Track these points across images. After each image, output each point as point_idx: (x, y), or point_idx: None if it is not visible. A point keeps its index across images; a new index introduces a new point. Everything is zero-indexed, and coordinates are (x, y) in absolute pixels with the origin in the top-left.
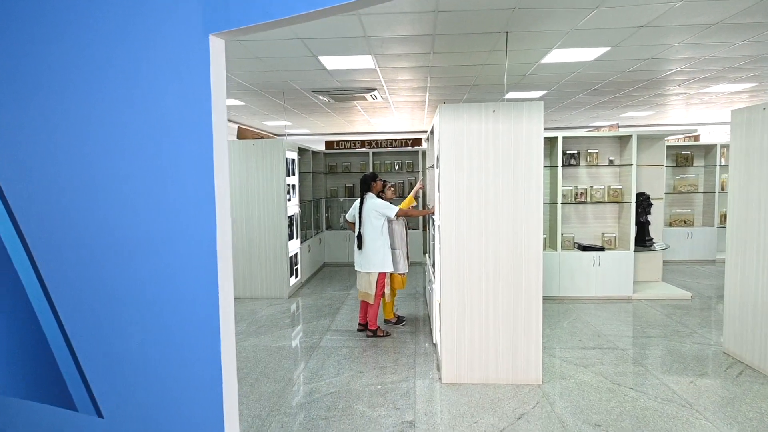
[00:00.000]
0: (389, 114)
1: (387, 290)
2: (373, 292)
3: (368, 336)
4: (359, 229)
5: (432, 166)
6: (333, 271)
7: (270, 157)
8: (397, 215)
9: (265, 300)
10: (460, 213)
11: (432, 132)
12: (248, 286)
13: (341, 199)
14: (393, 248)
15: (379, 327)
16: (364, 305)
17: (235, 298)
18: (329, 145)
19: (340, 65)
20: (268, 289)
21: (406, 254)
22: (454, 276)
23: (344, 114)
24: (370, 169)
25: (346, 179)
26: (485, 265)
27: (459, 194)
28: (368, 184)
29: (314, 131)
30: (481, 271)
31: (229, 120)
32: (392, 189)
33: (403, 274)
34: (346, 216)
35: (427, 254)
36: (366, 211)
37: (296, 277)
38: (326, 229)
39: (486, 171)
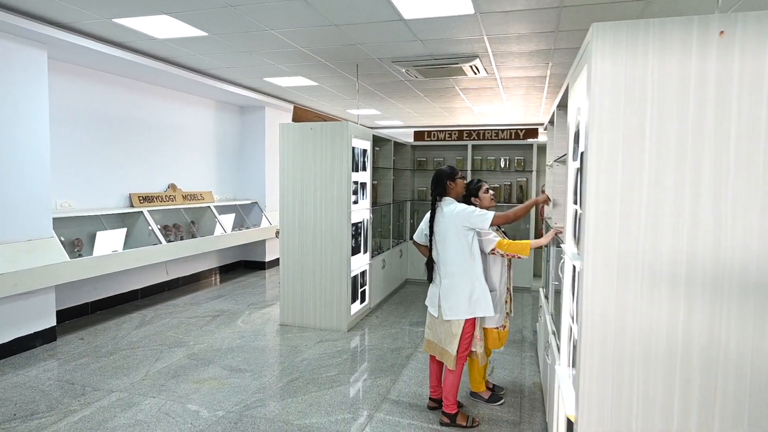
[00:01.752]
0: (496, 98)
1: (478, 348)
2: (455, 352)
3: (444, 424)
4: (432, 252)
5: (558, 161)
6: (414, 293)
7: (331, 145)
8: (494, 223)
9: (317, 332)
10: (632, 234)
11: (561, 107)
12: (298, 312)
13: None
14: (491, 289)
15: (460, 411)
16: (438, 367)
17: (281, 325)
18: (419, 136)
19: (422, 10)
20: (322, 317)
21: (507, 299)
22: (613, 380)
23: (440, 99)
24: (469, 167)
25: None
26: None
27: (630, 200)
28: (443, 183)
29: (407, 123)
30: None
31: (284, 100)
32: (491, 193)
33: (502, 327)
34: (414, 236)
35: (543, 288)
36: (442, 223)
37: (362, 302)
38: (410, 239)
39: (697, 158)
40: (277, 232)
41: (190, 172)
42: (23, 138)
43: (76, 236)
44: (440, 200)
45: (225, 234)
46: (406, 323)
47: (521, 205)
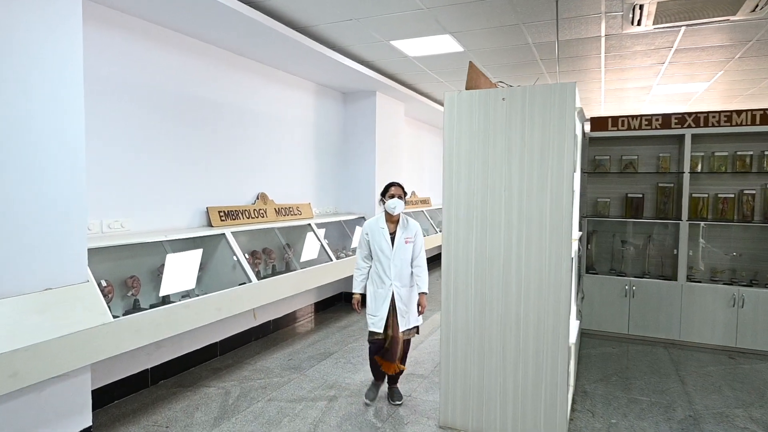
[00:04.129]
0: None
1: None
2: None
3: None
4: None
5: None
6: (604, 353)
7: (541, 127)
8: None
9: None
10: None
11: None
12: (472, 409)
13: (616, 221)
14: None
15: None
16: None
17: (442, 429)
18: (598, 124)
19: None
20: (518, 420)
21: None
22: None
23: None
24: (686, 167)
25: (627, 185)
26: None
27: None
28: None
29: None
30: None
31: (401, 82)
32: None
33: None
34: None
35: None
36: None
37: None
38: (607, 272)
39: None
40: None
41: (284, 177)
42: (40, 123)
43: (130, 273)
44: None
45: (333, 263)
46: (658, 420)
47: None
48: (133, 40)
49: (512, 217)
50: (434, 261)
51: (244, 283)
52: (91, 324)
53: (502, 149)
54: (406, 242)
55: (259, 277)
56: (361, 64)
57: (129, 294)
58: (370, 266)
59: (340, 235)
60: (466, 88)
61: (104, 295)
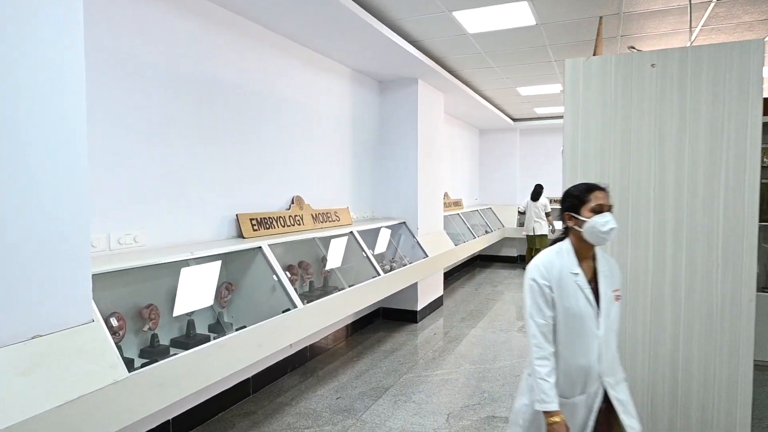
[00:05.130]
0: None
1: None
2: None
3: None
4: None
5: None
6: None
7: (712, 100)
8: None
9: None
10: None
11: None
12: None
13: None
14: None
15: None
16: None
17: None
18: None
19: None
20: None
21: None
22: None
23: None
24: None
25: None
26: None
27: None
28: None
29: None
30: None
31: (447, 68)
32: None
33: None
34: None
35: None
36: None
37: None
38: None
39: None
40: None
41: (319, 177)
42: (26, 111)
43: (146, 300)
44: None
45: (381, 278)
46: None
47: None
48: (146, 5)
49: (666, 225)
50: (466, 267)
51: (288, 310)
52: (97, 384)
53: (650, 132)
54: (616, 298)
55: (300, 294)
56: (412, 44)
57: (145, 328)
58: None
59: (378, 244)
60: (595, 54)
61: (114, 333)
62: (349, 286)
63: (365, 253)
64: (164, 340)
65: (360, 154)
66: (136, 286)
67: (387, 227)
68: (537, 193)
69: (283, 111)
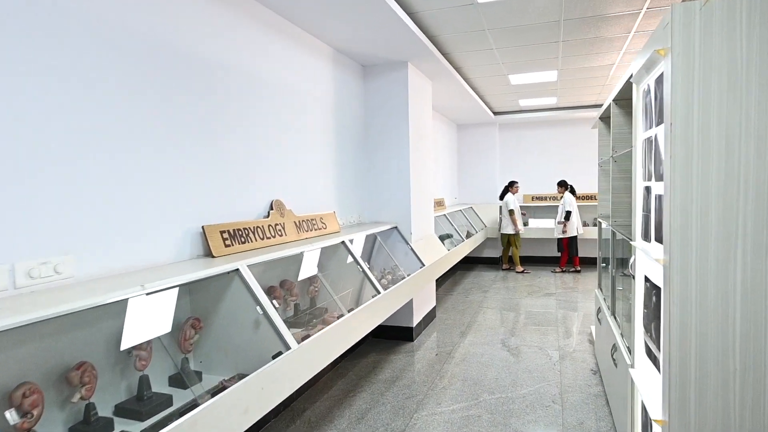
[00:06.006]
0: None
1: None
2: None
3: None
4: None
5: None
6: None
7: None
8: None
9: None
10: None
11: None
12: None
13: None
14: None
15: None
16: None
17: None
18: None
19: None
20: None
21: None
22: None
23: None
24: None
25: None
26: None
27: None
28: None
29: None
30: None
31: (441, 50)
32: None
33: None
34: None
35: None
36: None
37: None
38: None
39: None
40: None
41: (301, 177)
42: None
43: (77, 357)
44: None
45: (381, 295)
46: None
47: None
48: None
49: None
50: (448, 270)
51: (280, 353)
52: None
53: None
54: None
55: (288, 326)
56: (411, 15)
57: (75, 398)
58: None
59: (368, 253)
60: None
61: (24, 414)
62: (348, 310)
63: (360, 266)
64: (105, 410)
65: (345, 149)
66: (59, 338)
67: (377, 233)
68: (504, 191)
69: (260, 94)
